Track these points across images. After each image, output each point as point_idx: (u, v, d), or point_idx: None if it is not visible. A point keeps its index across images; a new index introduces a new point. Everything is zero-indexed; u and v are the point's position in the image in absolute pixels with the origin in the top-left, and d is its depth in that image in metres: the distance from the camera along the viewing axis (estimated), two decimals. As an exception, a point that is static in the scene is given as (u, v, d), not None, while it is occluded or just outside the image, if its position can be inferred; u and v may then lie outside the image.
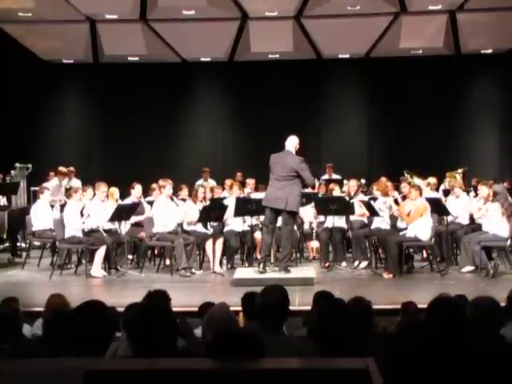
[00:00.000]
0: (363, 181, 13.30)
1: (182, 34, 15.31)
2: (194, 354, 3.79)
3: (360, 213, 10.81)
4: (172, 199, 10.79)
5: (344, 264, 10.74)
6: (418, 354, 2.70)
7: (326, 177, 14.98)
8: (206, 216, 10.49)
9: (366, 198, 11.23)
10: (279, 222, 9.63)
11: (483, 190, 10.12)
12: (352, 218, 10.97)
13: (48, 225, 10.72)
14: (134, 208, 10.83)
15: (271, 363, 2.39)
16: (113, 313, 4.03)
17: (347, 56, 16.50)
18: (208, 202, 11.10)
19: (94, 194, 10.81)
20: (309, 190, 12.57)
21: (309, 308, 5.49)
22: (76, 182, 13.31)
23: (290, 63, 16.24)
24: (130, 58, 16.26)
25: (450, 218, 10.61)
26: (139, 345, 3.23)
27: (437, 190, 12.18)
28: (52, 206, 11.35)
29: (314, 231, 11.54)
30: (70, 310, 4.63)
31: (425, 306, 4.33)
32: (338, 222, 10.76)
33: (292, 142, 9.48)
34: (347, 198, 11.04)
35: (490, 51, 15.97)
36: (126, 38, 15.35)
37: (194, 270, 10.28)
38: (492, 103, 16.53)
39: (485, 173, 14.22)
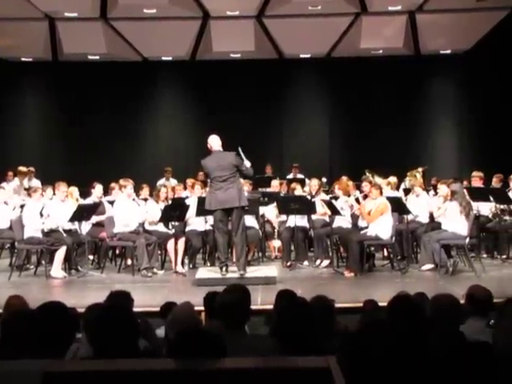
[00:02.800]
0: (325, 180, 13.41)
1: (144, 33, 15.23)
2: (155, 355, 3.77)
3: (322, 212, 10.87)
4: (133, 199, 10.72)
5: (306, 263, 10.78)
6: (379, 351, 2.72)
7: (291, 176, 15.03)
8: (167, 216, 10.44)
9: (327, 197, 11.29)
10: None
11: (443, 189, 10.23)
12: (314, 217, 11.02)
13: (5, 224, 10.53)
14: (95, 208, 10.73)
15: (233, 363, 2.39)
16: (73, 314, 3.99)
17: (309, 56, 16.58)
18: (170, 202, 11.05)
19: (54, 194, 10.68)
20: (271, 190, 12.63)
21: (271, 307, 5.49)
22: (35, 182, 13.14)
23: (251, 63, 16.27)
24: (90, 57, 16.12)
25: (410, 217, 10.71)
26: (100, 345, 3.20)
27: (397, 189, 12.29)
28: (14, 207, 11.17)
29: (276, 230, 11.57)
30: (29, 311, 4.57)
31: (386, 304, 4.36)
32: (300, 221, 10.80)
33: (217, 142, 9.42)
34: (309, 198, 11.09)
35: (448, 52, 16.19)
36: (86, 37, 15.21)
37: (155, 270, 10.22)
38: (451, 103, 16.75)
39: (444, 172, 14.42)
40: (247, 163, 9.35)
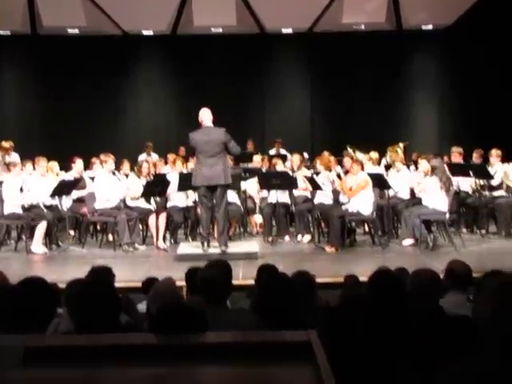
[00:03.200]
0: (306, 155, 13.40)
1: (124, 6, 15.08)
2: (137, 329, 3.78)
3: (303, 187, 10.87)
4: (114, 174, 10.67)
5: (287, 238, 10.82)
6: (359, 325, 2.74)
7: (273, 152, 14.99)
8: (149, 191, 10.41)
9: (309, 173, 11.29)
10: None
11: (423, 165, 10.27)
12: (295, 192, 11.03)
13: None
14: (76, 183, 10.67)
15: (214, 337, 2.39)
16: (54, 289, 3.98)
17: (290, 31, 16.49)
18: (151, 177, 11.02)
19: (34, 169, 10.60)
20: (252, 165, 12.61)
21: (252, 282, 5.51)
22: (14, 156, 13.01)
23: (233, 37, 16.16)
24: (69, 30, 15.93)
25: (391, 193, 10.76)
26: (81, 320, 3.20)
27: (378, 164, 12.33)
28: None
29: (258, 206, 11.58)
30: (9, 286, 4.55)
31: (366, 279, 4.39)
32: (282, 196, 10.81)
33: (208, 116, 9.29)
34: (290, 173, 11.09)
35: (430, 27, 16.17)
36: (65, 10, 15.02)
37: (137, 246, 10.21)
38: (432, 79, 16.76)
39: (424, 147, 14.46)
40: (235, 147, 9.35)
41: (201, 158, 9.14)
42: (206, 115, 9.30)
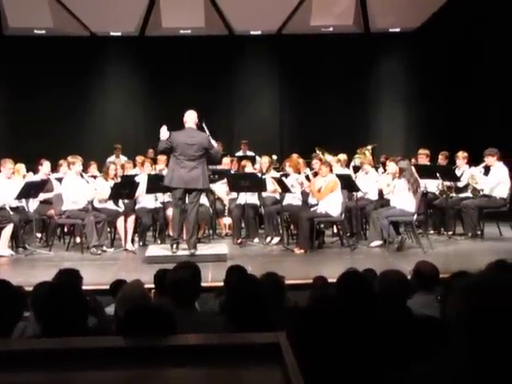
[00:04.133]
0: (275, 157, 13.43)
1: (91, 7, 14.96)
2: (104, 332, 3.75)
3: (272, 189, 10.90)
4: (82, 176, 10.60)
5: (256, 240, 10.83)
6: (328, 327, 2.74)
7: (240, 153, 14.99)
8: (117, 193, 10.35)
9: (277, 175, 11.32)
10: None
11: (391, 167, 10.36)
12: (264, 194, 11.05)
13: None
14: (43, 185, 10.57)
15: (183, 340, 2.38)
16: (20, 292, 3.94)
17: (259, 32, 16.51)
18: (119, 179, 10.96)
19: (0, 171, 10.49)
20: (221, 167, 12.60)
21: (221, 284, 5.51)
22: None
23: (202, 39, 16.12)
24: (36, 31, 15.76)
25: (359, 194, 10.82)
26: (48, 324, 3.17)
27: (347, 166, 12.39)
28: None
29: (227, 208, 11.58)
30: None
31: (335, 280, 4.41)
32: (251, 198, 10.82)
33: (193, 118, 9.27)
34: (259, 175, 11.11)
35: (397, 30, 16.30)
36: (31, 10, 14.86)
37: (105, 248, 10.15)
38: (399, 81, 16.88)
39: (393, 149, 14.57)
40: (213, 143, 9.33)
41: (179, 159, 9.06)
42: (189, 117, 9.27)
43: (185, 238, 9.53)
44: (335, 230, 11.23)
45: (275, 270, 5.31)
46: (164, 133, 9.05)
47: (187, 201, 9.32)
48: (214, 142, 9.43)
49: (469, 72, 14.77)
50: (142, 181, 10.72)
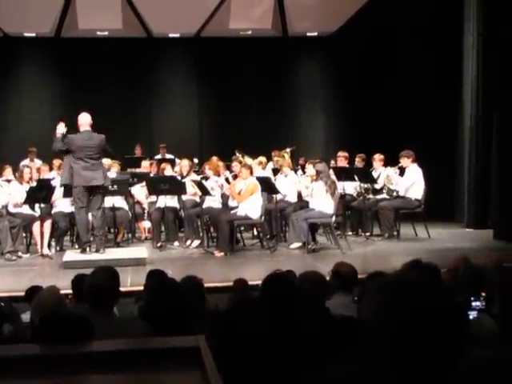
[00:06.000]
0: (196, 160, 13.40)
1: (4, 7, 14.55)
2: (20, 340, 3.66)
3: (192, 192, 10.87)
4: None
5: (176, 243, 10.76)
6: (248, 329, 2.75)
7: (159, 157, 14.90)
8: (32, 197, 10.12)
9: (198, 178, 11.30)
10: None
11: (310, 169, 10.48)
12: (184, 197, 11.00)
13: None
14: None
15: (101, 345, 2.34)
16: None
17: (177, 35, 16.43)
18: (35, 183, 10.71)
19: None
20: (140, 170, 12.49)
21: (141, 288, 5.45)
22: None
23: (119, 41, 15.93)
24: None
25: (279, 196, 10.89)
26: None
27: (264, 168, 12.46)
28: None
29: (146, 211, 11.48)
30: None
31: (256, 282, 4.43)
32: (170, 201, 10.76)
33: (87, 120, 9.43)
34: (179, 178, 11.06)
35: (315, 34, 16.50)
36: None
37: (20, 254, 9.91)
38: (317, 85, 17.09)
39: (311, 152, 14.74)
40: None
41: (78, 161, 9.17)
42: (82, 119, 9.43)
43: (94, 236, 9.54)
44: (255, 233, 11.29)
45: (195, 273, 5.29)
46: (60, 129, 9.28)
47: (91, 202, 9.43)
48: None
49: (383, 75, 15.08)
50: (59, 184, 10.50)
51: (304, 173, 11.29)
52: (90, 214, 9.45)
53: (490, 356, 2.00)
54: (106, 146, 9.37)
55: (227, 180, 11.09)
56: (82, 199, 9.25)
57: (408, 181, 10.93)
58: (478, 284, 4.80)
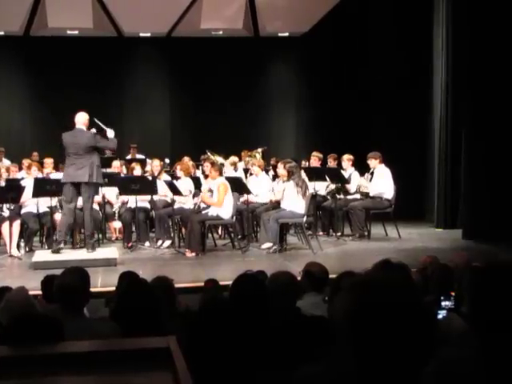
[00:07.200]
0: (167, 161, 13.36)
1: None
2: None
3: (163, 193, 10.83)
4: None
5: (147, 244, 10.71)
6: (219, 329, 2.75)
7: (129, 157, 14.84)
8: (1, 198, 10.01)
9: (169, 178, 11.26)
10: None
11: (281, 169, 10.50)
12: (155, 197, 10.96)
13: None
14: None
15: (70, 347, 2.33)
16: None
17: (148, 35, 16.37)
18: (3, 183, 10.60)
19: None
20: (111, 170, 12.41)
21: (111, 289, 5.43)
22: None
23: (90, 40, 15.82)
24: None
25: (250, 197, 10.90)
26: None
27: (235, 169, 12.46)
28: None
29: (117, 211, 11.41)
30: None
31: (227, 282, 4.43)
32: (141, 201, 10.72)
33: (82, 119, 9.49)
34: (150, 178, 11.01)
35: (286, 34, 16.53)
36: None
37: (-12, 255, 9.80)
38: (288, 85, 17.12)
39: (283, 152, 14.76)
40: (110, 133, 9.52)
41: (68, 158, 9.37)
42: (77, 118, 9.52)
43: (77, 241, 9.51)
44: (222, 234, 11.30)
45: (166, 273, 5.28)
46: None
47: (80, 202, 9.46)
48: (111, 132, 9.53)
49: (354, 75, 15.16)
50: (29, 184, 10.41)
51: (275, 173, 11.31)
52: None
53: (458, 355, 2.02)
54: (97, 142, 9.36)
55: (198, 180, 11.08)
56: (66, 194, 9.36)
57: (381, 183, 11.00)
58: (447, 283, 4.86)
